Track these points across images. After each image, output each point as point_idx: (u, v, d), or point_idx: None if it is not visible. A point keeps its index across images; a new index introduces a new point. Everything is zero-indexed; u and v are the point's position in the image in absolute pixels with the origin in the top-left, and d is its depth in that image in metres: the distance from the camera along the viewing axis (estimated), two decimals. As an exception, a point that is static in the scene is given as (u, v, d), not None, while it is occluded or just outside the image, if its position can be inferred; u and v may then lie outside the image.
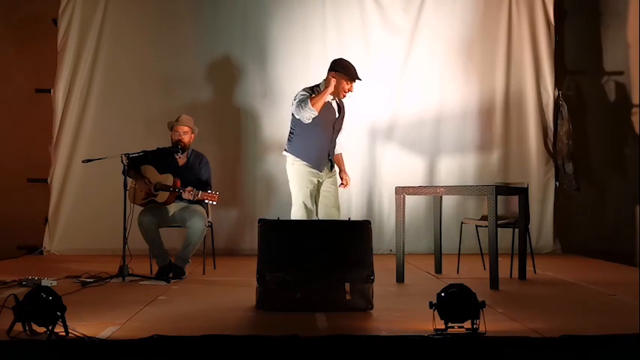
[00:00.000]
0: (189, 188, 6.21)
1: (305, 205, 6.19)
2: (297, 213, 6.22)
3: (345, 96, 6.29)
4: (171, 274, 6.21)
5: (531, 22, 8.74)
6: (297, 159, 6.23)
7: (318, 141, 6.23)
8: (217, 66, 8.60)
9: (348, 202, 8.55)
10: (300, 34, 8.64)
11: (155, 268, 6.36)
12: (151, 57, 8.54)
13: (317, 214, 6.28)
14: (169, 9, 8.61)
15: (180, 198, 6.33)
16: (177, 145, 6.45)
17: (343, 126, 6.48)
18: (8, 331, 3.80)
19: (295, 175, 6.24)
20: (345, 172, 6.48)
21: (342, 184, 6.42)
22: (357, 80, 6.26)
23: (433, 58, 8.66)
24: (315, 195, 6.27)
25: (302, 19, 8.65)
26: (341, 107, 6.41)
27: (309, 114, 6.05)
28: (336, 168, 6.42)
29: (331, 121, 6.29)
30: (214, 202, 6.26)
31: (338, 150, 6.48)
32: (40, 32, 8.67)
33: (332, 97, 6.27)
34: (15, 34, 8.75)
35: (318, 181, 6.27)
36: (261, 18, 8.62)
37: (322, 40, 8.63)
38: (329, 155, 6.31)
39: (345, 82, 6.23)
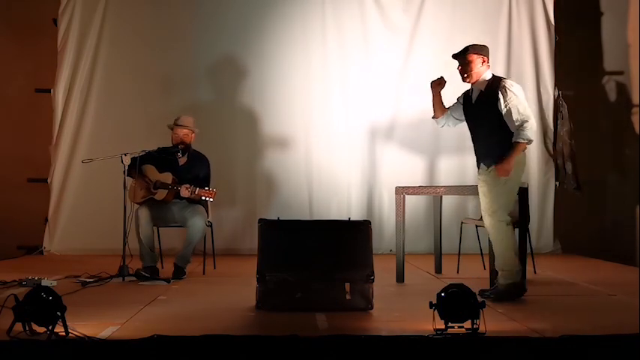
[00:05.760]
0: (186, 185, 6.22)
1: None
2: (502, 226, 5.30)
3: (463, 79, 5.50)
4: (166, 276, 6.21)
5: (531, 22, 8.73)
6: None
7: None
8: (217, 66, 8.60)
9: (348, 202, 8.56)
10: (300, 34, 8.63)
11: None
12: (150, 57, 8.54)
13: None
14: (169, 9, 8.60)
15: (179, 197, 6.34)
16: (178, 147, 6.46)
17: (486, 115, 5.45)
18: (8, 331, 3.80)
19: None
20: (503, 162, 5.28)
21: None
22: (455, 58, 5.49)
23: (433, 57, 8.65)
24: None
25: (302, 19, 8.64)
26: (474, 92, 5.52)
27: None
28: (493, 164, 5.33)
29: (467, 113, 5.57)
30: (211, 199, 6.25)
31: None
32: (40, 32, 8.67)
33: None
34: (15, 34, 8.75)
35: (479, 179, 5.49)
36: (261, 18, 8.61)
37: (322, 40, 8.63)
38: (477, 152, 5.51)
39: None
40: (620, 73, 8.89)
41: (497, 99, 5.28)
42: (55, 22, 8.52)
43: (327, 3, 8.65)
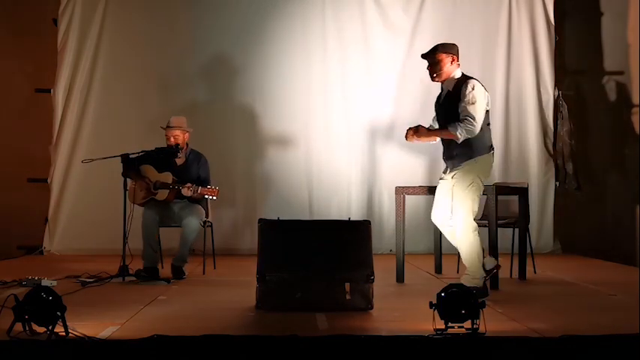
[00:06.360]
0: (188, 184, 6.22)
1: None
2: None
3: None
4: (165, 276, 6.21)
5: (531, 22, 8.73)
6: None
7: None
8: (217, 66, 8.60)
9: (348, 202, 8.56)
10: (300, 34, 8.64)
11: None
12: (150, 57, 8.54)
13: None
14: (169, 9, 8.61)
15: (180, 196, 6.33)
16: (177, 146, 6.46)
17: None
18: (8, 331, 3.80)
19: None
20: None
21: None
22: (424, 58, 5.51)
23: (433, 58, 8.66)
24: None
25: (302, 19, 8.65)
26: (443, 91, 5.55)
27: None
28: (457, 167, 5.33)
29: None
30: (214, 197, 6.25)
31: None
32: (40, 32, 8.68)
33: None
34: (15, 34, 8.75)
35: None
36: (261, 18, 8.61)
37: (322, 40, 8.63)
38: (444, 152, 5.50)
39: None
40: (620, 73, 8.89)
41: (459, 99, 5.28)
42: (55, 22, 8.52)
43: (327, 3, 8.66)
